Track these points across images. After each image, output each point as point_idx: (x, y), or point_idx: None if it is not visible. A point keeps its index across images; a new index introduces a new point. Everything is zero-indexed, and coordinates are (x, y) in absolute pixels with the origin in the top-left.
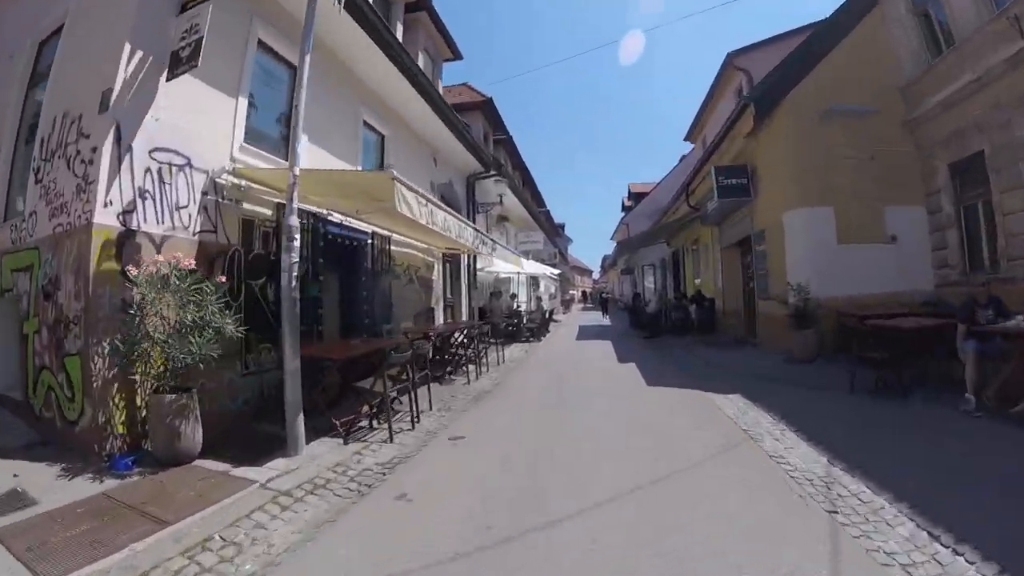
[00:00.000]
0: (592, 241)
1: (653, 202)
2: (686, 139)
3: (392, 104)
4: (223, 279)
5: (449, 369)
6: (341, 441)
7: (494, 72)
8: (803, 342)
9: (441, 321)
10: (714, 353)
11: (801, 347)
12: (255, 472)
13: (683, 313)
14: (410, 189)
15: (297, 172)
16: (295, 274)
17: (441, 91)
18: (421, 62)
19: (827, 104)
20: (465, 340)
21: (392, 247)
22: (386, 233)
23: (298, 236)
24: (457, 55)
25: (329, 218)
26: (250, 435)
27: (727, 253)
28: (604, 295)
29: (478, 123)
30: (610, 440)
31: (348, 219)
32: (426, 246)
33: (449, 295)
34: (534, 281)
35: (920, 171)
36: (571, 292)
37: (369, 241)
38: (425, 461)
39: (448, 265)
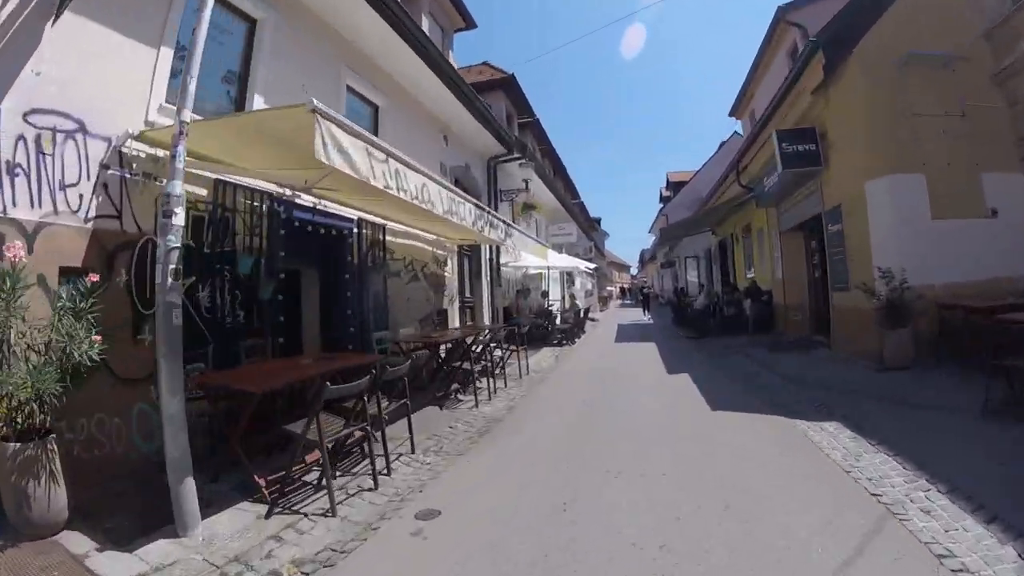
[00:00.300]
0: (630, 236)
1: (693, 191)
2: (731, 114)
3: (388, 70)
4: (93, 278)
5: (456, 387)
6: (263, 512)
7: (515, 51)
8: (897, 343)
9: (457, 324)
10: (781, 359)
11: (895, 350)
12: (120, 563)
13: (736, 309)
14: (348, 131)
15: (187, 119)
16: (173, 266)
17: (453, 62)
18: (427, 26)
19: (906, 50)
20: (478, 349)
21: (389, 238)
22: (378, 221)
23: (180, 210)
24: (470, 22)
25: (296, 200)
26: (159, 490)
27: (788, 238)
28: (645, 290)
29: (500, 103)
30: (675, 531)
31: (325, 203)
32: (435, 237)
33: (468, 294)
34: (568, 277)
35: (1015, 130)
36: (609, 288)
37: (355, 230)
38: (365, 563)
39: (467, 260)
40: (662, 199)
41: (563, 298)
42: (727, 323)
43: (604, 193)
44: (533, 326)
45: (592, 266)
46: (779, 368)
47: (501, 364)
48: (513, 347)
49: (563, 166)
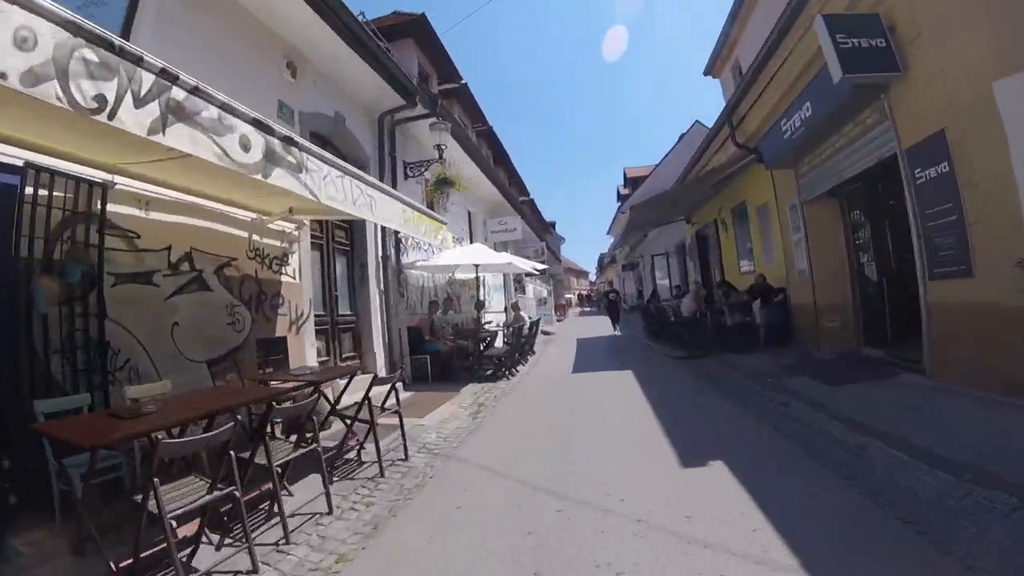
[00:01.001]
0: (587, 243)
1: (654, 186)
2: (707, 73)
3: None
4: None
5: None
6: None
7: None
8: None
9: (313, 362)
10: (862, 402)
11: None
12: None
13: (742, 315)
14: None
15: None
16: None
17: None
18: None
19: None
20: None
21: (123, 208)
22: (89, 174)
23: None
24: None
25: None
26: None
27: (815, 212)
28: (611, 295)
29: (411, 57)
30: None
31: None
32: (256, 215)
33: (348, 310)
34: (519, 284)
35: None
36: (567, 296)
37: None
38: None
39: (337, 255)
40: (620, 198)
41: (509, 310)
42: (725, 334)
43: (558, 199)
44: (454, 354)
45: (540, 267)
46: (887, 429)
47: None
48: (393, 406)
49: (506, 153)
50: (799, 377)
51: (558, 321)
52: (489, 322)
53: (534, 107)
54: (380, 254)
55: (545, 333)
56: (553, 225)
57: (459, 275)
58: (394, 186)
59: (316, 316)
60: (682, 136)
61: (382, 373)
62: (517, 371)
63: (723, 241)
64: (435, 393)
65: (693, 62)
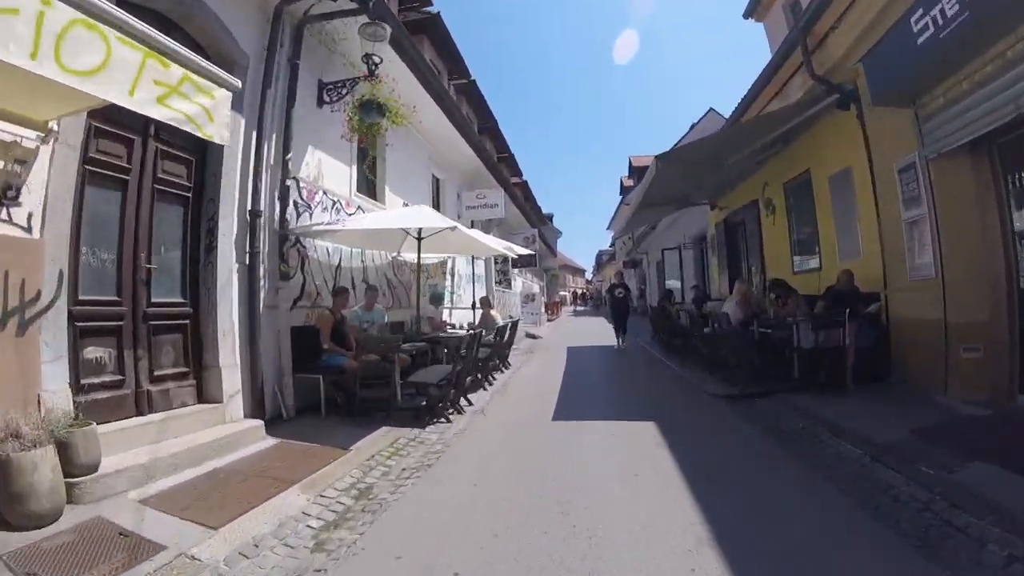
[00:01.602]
0: (584, 242)
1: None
2: (748, 16)
3: None
4: None
5: None
6: None
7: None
8: None
9: (45, 388)
10: None
11: None
12: None
13: (827, 331)
14: None
15: None
16: None
17: None
18: None
19: None
20: None
21: None
22: None
23: None
24: None
25: None
26: None
27: (950, 174)
28: (619, 291)
29: None
30: None
31: None
32: None
33: (162, 296)
34: (502, 274)
35: None
36: (561, 293)
37: None
38: None
39: (158, 199)
40: (623, 190)
41: (475, 306)
42: (789, 360)
43: (556, 194)
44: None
45: (521, 251)
46: None
47: None
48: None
49: (494, 118)
50: (976, 464)
51: (549, 321)
52: (453, 325)
53: (528, 95)
54: (249, 207)
55: (530, 336)
56: (550, 218)
57: (408, 255)
58: (289, 110)
59: (86, 302)
60: (694, 125)
61: (238, 401)
62: (468, 405)
63: (766, 228)
64: (306, 448)
65: (708, 44)
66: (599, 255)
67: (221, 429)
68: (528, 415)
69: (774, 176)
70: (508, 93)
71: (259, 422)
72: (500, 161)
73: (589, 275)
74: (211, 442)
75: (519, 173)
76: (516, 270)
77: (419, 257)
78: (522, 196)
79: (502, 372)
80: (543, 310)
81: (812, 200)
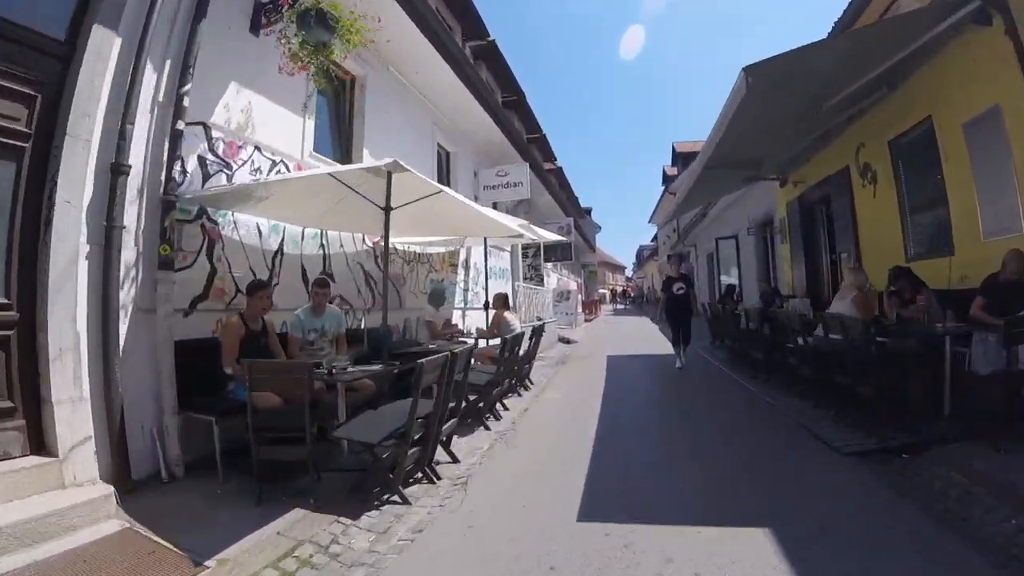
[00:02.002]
0: (624, 238)
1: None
2: None
3: None
4: None
5: None
6: None
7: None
8: None
9: None
10: None
11: None
12: None
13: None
14: None
15: None
16: None
17: None
18: None
19: None
20: None
21: None
22: None
23: None
24: None
25: None
26: None
27: None
28: (679, 288)
29: None
30: None
31: None
32: None
33: None
34: (533, 270)
35: None
36: (600, 291)
37: None
38: None
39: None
40: (666, 179)
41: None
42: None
43: (594, 190)
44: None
45: (548, 236)
46: None
47: None
48: None
49: (520, 90)
50: None
51: (587, 321)
52: (464, 332)
53: (566, 89)
54: (113, 159)
55: (563, 341)
56: (589, 212)
57: (404, 240)
58: (195, 26)
59: None
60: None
61: (86, 453)
62: (453, 461)
63: (863, 203)
64: (154, 548)
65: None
66: (639, 251)
67: (50, 499)
68: (538, 501)
69: (874, 133)
70: (542, 91)
71: (107, 489)
72: (530, 143)
73: (629, 272)
74: (21, 522)
75: (552, 157)
76: (550, 265)
77: (386, 237)
78: (556, 183)
79: (519, 395)
80: (579, 310)
81: (936, 158)
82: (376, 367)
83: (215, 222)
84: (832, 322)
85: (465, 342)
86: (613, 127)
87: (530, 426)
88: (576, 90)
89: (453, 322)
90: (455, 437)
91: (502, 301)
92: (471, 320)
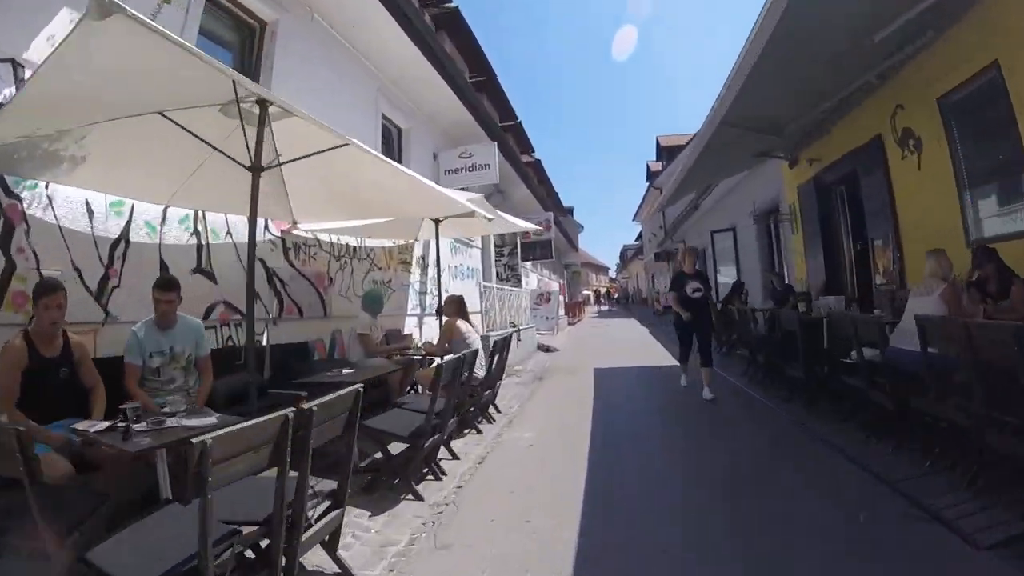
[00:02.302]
0: (605, 241)
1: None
2: None
3: None
4: None
5: None
6: None
7: None
8: None
9: None
10: None
11: None
12: None
13: None
14: None
15: None
16: None
17: None
18: None
19: None
20: None
21: None
22: None
23: None
24: None
25: None
26: None
27: None
28: (698, 291)
29: None
30: None
31: None
32: None
33: None
34: (510, 269)
35: None
36: (584, 292)
37: None
38: None
39: None
40: (650, 176)
41: (445, 314)
42: None
43: (575, 189)
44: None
45: (524, 225)
46: None
47: None
48: None
49: (491, 69)
50: None
51: (570, 325)
52: (415, 349)
53: (545, 88)
54: None
55: (543, 349)
56: (571, 211)
57: (326, 229)
58: None
59: None
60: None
61: None
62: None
63: (902, 176)
64: None
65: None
66: (623, 251)
67: None
68: None
69: (915, 92)
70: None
71: None
72: (505, 131)
73: (613, 273)
74: None
75: (529, 148)
76: (529, 264)
77: (253, 209)
78: (535, 177)
79: (477, 432)
80: (562, 313)
81: (1007, 112)
82: (207, 420)
83: (17, 197)
84: (932, 328)
85: (414, 360)
86: (591, 127)
87: (481, 496)
88: (553, 87)
89: (406, 333)
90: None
91: (455, 306)
92: (432, 330)
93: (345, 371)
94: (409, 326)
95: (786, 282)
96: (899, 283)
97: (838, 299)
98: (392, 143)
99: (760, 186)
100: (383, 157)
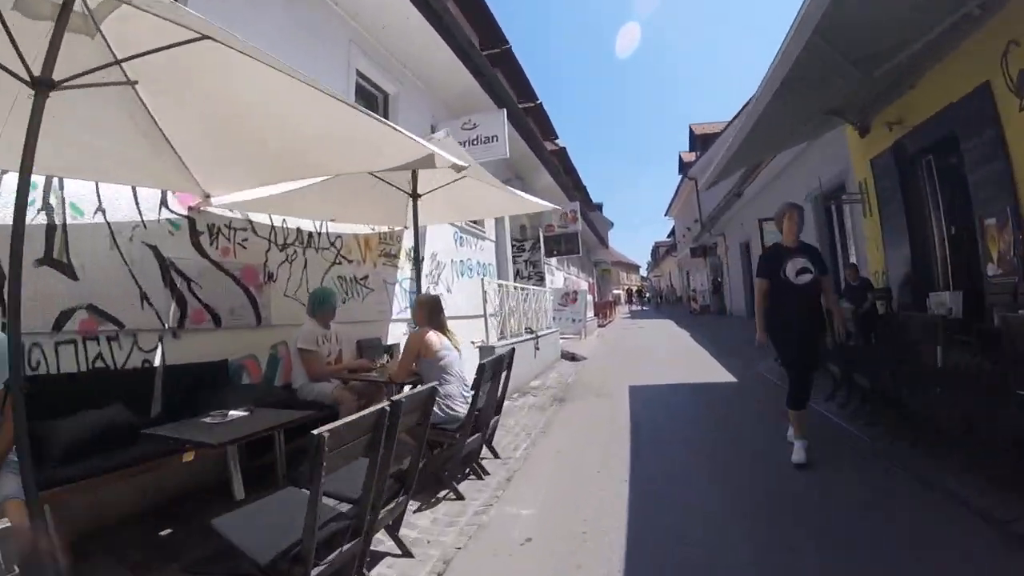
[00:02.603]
0: (635, 240)
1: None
2: None
3: None
4: None
5: None
6: None
7: None
8: None
9: None
10: None
11: None
12: None
13: None
14: None
15: None
16: None
17: None
18: None
19: None
20: None
21: None
22: None
23: None
24: None
25: None
26: None
27: None
28: (800, 272)
29: None
30: None
31: None
32: None
33: None
34: (532, 265)
35: None
36: (615, 291)
37: None
38: None
39: None
40: (682, 168)
41: (416, 322)
42: None
43: (606, 189)
44: None
45: (540, 204)
46: None
47: None
48: None
49: (503, 37)
50: None
51: (600, 327)
52: (371, 371)
53: (577, 85)
54: None
55: (568, 358)
56: (600, 207)
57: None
58: None
59: None
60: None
61: None
62: None
63: (1021, 136)
64: None
65: None
66: (655, 248)
67: None
68: None
69: None
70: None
71: None
72: (525, 113)
73: (644, 272)
74: None
75: (552, 133)
76: (554, 260)
77: (27, 163)
78: (559, 165)
79: (458, 497)
80: (589, 314)
81: None
82: None
83: None
84: None
85: (382, 385)
86: (620, 130)
87: None
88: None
89: (391, 343)
90: None
91: (427, 311)
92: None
93: (233, 414)
94: (395, 335)
95: (864, 276)
96: (1023, 273)
97: (955, 295)
98: (375, 108)
99: (820, 164)
100: (279, 64)
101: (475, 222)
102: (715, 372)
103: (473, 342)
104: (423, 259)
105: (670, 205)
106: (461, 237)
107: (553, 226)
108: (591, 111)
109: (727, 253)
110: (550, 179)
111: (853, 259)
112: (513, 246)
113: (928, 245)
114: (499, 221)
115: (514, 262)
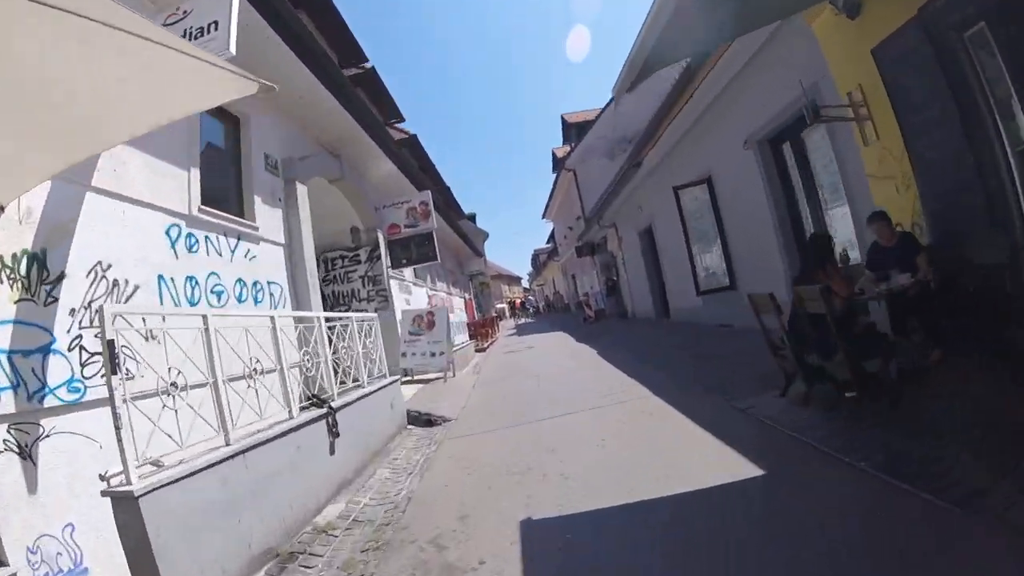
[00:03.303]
0: (514, 252)
1: (614, 129)
2: None
3: None
4: None
5: None
6: None
7: None
8: None
9: None
10: None
11: None
12: None
13: None
14: None
15: None
16: None
17: None
18: None
19: None
20: None
21: None
22: None
23: None
24: None
25: None
26: None
27: None
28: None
29: None
30: None
31: None
32: None
33: None
34: (371, 284)
35: None
36: (498, 306)
37: None
38: None
39: None
40: (556, 165)
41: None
42: None
43: (478, 196)
44: None
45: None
46: None
47: None
48: None
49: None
50: None
51: (478, 352)
52: None
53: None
54: None
55: (425, 423)
56: (473, 218)
57: None
58: None
59: None
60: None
61: None
62: None
63: None
64: None
65: None
66: (534, 256)
67: None
68: None
69: None
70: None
71: None
72: (356, 83)
73: (525, 283)
74: None
75: (398, 115)
76: (408, 272)
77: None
78: (408, 154)
79: None
80: (461, 338)
81: None
82: None
83: None
84: None
85: None
86: (496, 152)
87: None
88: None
89: None
90: None
91: None
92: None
93: None
94: None
95: (902, 230)
96: None
97: None
98: None
99: (762, 93)
100: None
101: (214, 201)
102: (689, 439)
103: (102, 476)
104: (63, 278)
105: (547, 206)
106: (192, 236)
107: (398, 227)
108: (459, 124)
109: (621, 246)
110: (391, 165)
111: (835, 218)
112: (338, 258)
113: (988, 169)
114: (291, 213)
115: (342, 281)
